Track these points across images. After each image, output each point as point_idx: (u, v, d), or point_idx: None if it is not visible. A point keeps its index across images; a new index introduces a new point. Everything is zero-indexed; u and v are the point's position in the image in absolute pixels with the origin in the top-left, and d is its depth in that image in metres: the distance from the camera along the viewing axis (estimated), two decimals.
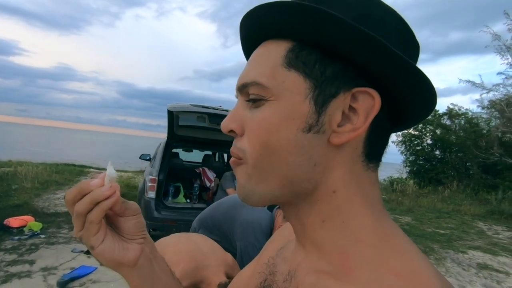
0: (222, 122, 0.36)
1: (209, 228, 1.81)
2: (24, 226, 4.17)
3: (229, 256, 1.53)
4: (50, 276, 2.95)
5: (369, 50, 0.29)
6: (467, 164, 12.20)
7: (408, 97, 0.33)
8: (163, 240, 1.38)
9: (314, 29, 0.30)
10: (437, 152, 13.22)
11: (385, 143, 0.36)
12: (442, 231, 6.04)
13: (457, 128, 12.82)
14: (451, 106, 12.95)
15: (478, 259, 4.57)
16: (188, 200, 4.37)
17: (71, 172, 9.05)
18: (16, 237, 3.83)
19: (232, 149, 0.36)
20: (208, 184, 4.47)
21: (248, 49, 0.39)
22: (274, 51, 0.33)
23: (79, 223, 0.39)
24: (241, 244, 1.65)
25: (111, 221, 0.42)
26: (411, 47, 0.35)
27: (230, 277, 1.41)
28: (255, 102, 0.33)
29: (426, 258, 0.32)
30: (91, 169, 10.83)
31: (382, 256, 0.31)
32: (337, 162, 0.33)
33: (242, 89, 0.35)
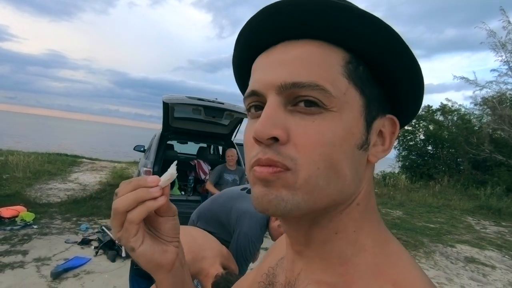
0: (260, 126, 0.29)
1: (207, 220, 1.83)
2: (16, 216, 4.13)
3: (224, 248, 1.55)
4: (44, 267, 2.94)
5: (412, 79, 0.33)
6: (458, 160, 12.41)
7: (408, 108, 0.36)
8: None
9: (381, 46, 0.31)
10: (430, 148, 13.37)
11: None
12: (432, 225, 6.17)
13: (449, 124, 12.97)
14: (444, 102, 13.09)
15: (465, 252, 4.70)
16: (183, 193, 4.37)
17: (64, 162, 8.93)
18: (8, 228, 3.80)
19: (272, 156, 0.30)
20: (203, 176, 4.47)
21: (265, 34, 0.33)
22: (331, 56, 0.31)
23: (118, 223, 0.36)
24: (235, 232, 1.67)
25: (150, 222, 0.40)
26: None
27: (225, 268, 1.43)
28: (309, 107, 0.30)
29: (419, 266, 0.34)
30: (84, 159, 10.71)
31: (380, 265, 0.32)
32: (367, 177, 0.35)
33: (289, 88, 0.30)
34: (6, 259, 3.01)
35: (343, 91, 0.30)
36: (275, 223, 1.70)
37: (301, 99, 0.30)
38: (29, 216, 4.17)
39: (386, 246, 0.34)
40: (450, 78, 12.03)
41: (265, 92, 0.32)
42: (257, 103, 0.34)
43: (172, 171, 0.38)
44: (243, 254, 1.63)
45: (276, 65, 0.31)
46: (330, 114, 0.30)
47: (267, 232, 1.76)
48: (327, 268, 0.34)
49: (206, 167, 4.54)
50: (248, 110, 0.35)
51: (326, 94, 0.29)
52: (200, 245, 1.43)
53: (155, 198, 0.36)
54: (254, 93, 0.33)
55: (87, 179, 7.28)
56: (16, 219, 4.08)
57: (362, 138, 0.32)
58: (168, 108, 3.67)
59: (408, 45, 0.31)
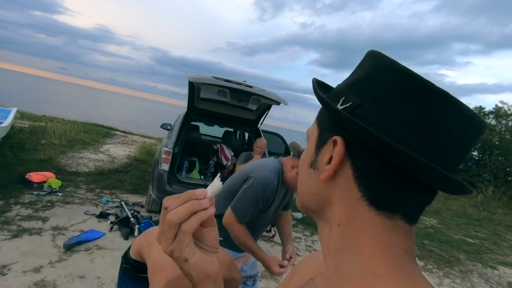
0: None
1: (225, 198, 1.71)
2: (45, 182, 4.28)
3: (226, 256, 1.35)
4: (59, 237, 2.97)
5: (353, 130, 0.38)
6: (508, 169, 11.19)
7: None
8: (153, 231, 1.19)
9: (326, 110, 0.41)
10: (475, 153, 12.23)
11: (396, 195, 0.34)
12: (470, 240, 5.57)
13: (502, 129, 11.69)
14: (500, 105, 11.75)
15: (509, 277, 4.15)
16: (202, 177, 4.25)
17: (98, 133, 9.28)
18: (35, 192, 3.93)
19: None
20: (224, 162, 4.30)
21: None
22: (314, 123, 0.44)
23: (171, 235, 0.39)
24: (246, 180, 1.64)
25: (194, 233, 0.42)
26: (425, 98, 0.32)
27: (226, 280, 1.22)
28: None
29: None
30: (117, 132, 11.10)
31: None
32: (336, 199, 0.38)
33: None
34: (27, 224, 3.09)
35: (312, 130, 0.43)
36: (292, 173, 1.65)
37: None
38: (56, 183, 4.30)
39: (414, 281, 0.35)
40: (509, 78, 10.73)
41: None
42: None
43: (217, 183, 0.42)
44: (249, 196, 1.56)
45: None
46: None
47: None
48: (348, 283, 0.36)
49: (228, 153, 4.36)
50: None
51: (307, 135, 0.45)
52: None
53: (205, 209, 0.40)
54: None
55: (117, 151, 7.48)
56: (44, 184, 4.23)
57: (311, 159, 0.41)
58: (193, 88, 3.49)
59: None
